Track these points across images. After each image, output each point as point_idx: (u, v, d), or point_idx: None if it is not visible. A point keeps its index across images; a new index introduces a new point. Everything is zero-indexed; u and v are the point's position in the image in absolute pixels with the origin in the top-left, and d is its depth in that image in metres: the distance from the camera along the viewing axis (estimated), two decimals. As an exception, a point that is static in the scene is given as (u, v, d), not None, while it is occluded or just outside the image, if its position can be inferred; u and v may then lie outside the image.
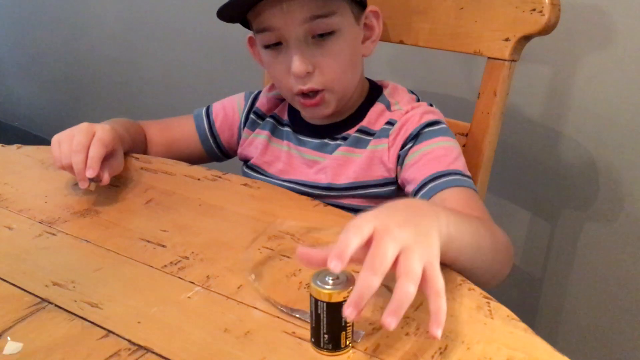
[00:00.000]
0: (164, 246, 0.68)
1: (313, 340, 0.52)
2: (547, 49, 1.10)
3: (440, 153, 0.79)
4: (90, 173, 0.75)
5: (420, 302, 0.57)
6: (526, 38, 0.86)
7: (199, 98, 1.71)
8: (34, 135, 2.44)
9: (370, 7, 0.86)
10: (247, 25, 0.86)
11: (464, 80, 1.23)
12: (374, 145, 0.84)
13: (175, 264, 0.64)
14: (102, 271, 0.63)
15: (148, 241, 0.69)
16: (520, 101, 1.16)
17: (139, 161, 0.90)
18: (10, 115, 2.56)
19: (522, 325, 0.54)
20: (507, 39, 0.86)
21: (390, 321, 0.46)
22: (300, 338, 0.53)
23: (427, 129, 0.82)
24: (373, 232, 0.49)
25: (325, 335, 0.51)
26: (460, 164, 0.79)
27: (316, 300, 0.50)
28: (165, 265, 0.64)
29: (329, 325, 0.50)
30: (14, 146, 0.96)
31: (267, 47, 0.82)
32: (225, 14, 0.81)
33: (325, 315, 0.50)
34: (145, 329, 0.54)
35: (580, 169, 1.14)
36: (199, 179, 0.85)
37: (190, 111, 1.01)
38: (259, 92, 0.97)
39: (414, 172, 0.79)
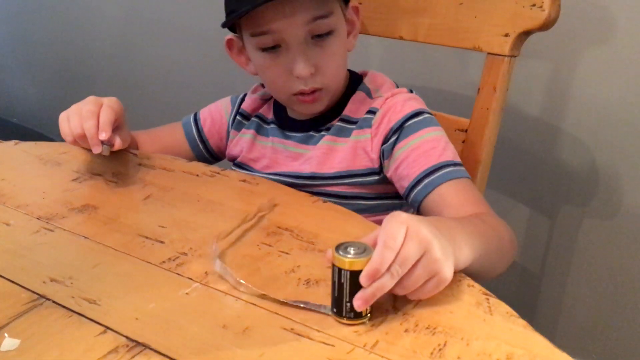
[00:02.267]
0: (162, 242, 0.68)
1: (335, 310, 0.54)
2: (547, 45, 1.09)
3: (429, 146, 0.79)
4: (103, 136, 0.78)
5: (419, 299, 0.57)
6: (526, 33, 0.86)
7: (196, 95, 1.71)
8: (32, 131, 2.43)
9: (351, 3, 0.87)
10: (231, 28, 0.86)
11: (464, 76, 1.23)
12: (357, 136, 0.84)
13: (174, 260, 0.64)
14: (100, 267, 0.63)
15: (146, 237, 0.68)
16: (520, 97, 1.16)
17: (138, 157, 0.89)
18: (8, 111, 2.55)
19: (522, 321, 0.54)
20: (506, 35, 0.86)
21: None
22: (299, 334, 0.53)
23: (411, 121, 0.81)
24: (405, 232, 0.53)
25: (348, 304, 0.53)
26: (450, 153, 0.79)
27: (340, 269, 0.53)
28: (164, 262, 0.64)
29: (352, 293, 0.53)
30: (12, 142, 0.96)
31: (263, 50, 0.81)
32: (228, 21, 0.81)
33: (349, 284, 0.52)
34: (143, 325, 0.54)
35: (580, 165, 1.14)
36: (197, 175, 0.85)
37: (187, 108, 1.01)
38: (245, 95, 0.98)
39: (405, 169, 0.79)
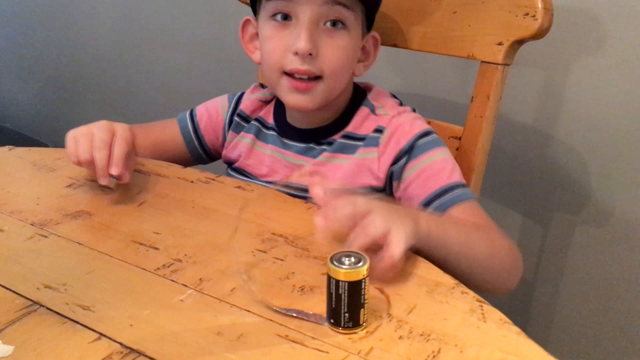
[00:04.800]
0: (156, 249, 0.68)
1: (332, 321, 0.54)
2: (539, 53, 1.10)
3: (438, 167, 0.80)
4: (114, 170, 0.76)
5: (414, 306, 0.57)
6: (519, 42, 0.86)
7: (191, 101, 1.70)
8: (26, 137, 2.42)
9: (372, 32, 0.87)
10: (253, 4, 0.86)
11: (457, 84, 1.23)
12: (362, 154, 0.84)
13: (168, 266, 0.64)
14: (94, 274, 0.63)
15: (141, 244, 0.68)
16: (513, 105, 1.16)
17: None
18: (2, 116, 2.54)
19: (515, 328, 0.54)
20: (500, 43, 0.87)
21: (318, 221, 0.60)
22: (293, 341, 0.53)
23: (420, 142, 0.82)
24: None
25: (346, 314, 0.53)
26: (457, 175, 0.80)
27: (337, 281, 0.52)
28: (158, 268, 0.64)
29: (350, 303, 0.53)
30: (6, 148, 0.96)
31: (273, 16, 0.80)
32: None
33: (346, 295, 0.52)
34: (137, 332, 0.54)
35: (572, 173, 1.15)
36: (192, 182, 0.85)
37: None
38: (242, 94, 0.97)
39: (415, 189, 0.80)
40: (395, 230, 0.60)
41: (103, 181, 0.76)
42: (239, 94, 0.98)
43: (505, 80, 0.89)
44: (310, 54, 0.78)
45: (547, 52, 1.10)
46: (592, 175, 1.13)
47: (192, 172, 0.87)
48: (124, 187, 0.82)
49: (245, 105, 0.95)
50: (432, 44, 0.94)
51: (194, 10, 1.70)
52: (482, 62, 0.89)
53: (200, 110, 0.99)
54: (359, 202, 0.61)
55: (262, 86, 0.98)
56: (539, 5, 0.82)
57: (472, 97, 0.90)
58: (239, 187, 0.83)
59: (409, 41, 0.96)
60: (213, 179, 0.85)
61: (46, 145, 2.26)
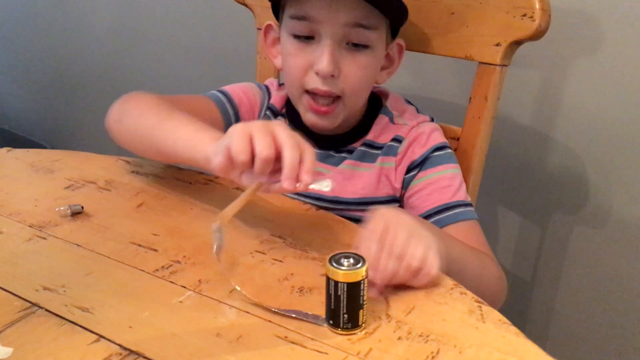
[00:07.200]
0: (155, 250, 0.68)
1: (331, 322, 0.54)
2: (537, 54, 1.10)
3: (445, 183, 0.81)
4: (309, 178, 0.61)
5: (413, 307, 0.58)
6: (517, 43, 0.87)
7: (190, 101, 1.70)
8: (24, 138, 2.42)
9: (398, 40, 0.86)
10: (275, 9, 0.85)
11: (455, 85, 1.23)
12: (382, 162, 0.84)
13: (167, 268, 0.64)
14: (92, 275, 0.63)
15: (139, 245, 0.68)
16: (511, 106, 1.17)
17: (130, 165, 0.89)
18: (0, 117, 2.54)
19: (514, 329, 0.54)
20: (497, 44, 0.87)
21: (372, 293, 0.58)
22: (292, 342, 0.53)
23: (433, 155, 0.83)
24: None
25: (345, 315, 0.53)
26: (463, 193, 0.81)
27: (336, 282, 0.53)
28: (157, 270, 0.64)
29: (349, 304, 0.53)
30: (4, 149, 0.95)
31: (296, 36, 0.79)
32: None
33: (345, 296, 0.53)
34: (136, 333, 0.54)
35: (570, 173, 1.15)
36: (190, 183, 0.85)
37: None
38: (267, 86, 0.93)
39: (418, 200, 0.81)
40: (432, 256, 0.59)
41: (290, 184, 0.59)
42: (264, 85, 0.94)
43: (503, 81, 0.89)
44: (332, 75, 0.77)
45: (545, 53, 1.10)
46: (590, 176, 1.13)
47: (191, 174, 0.87)
48: (123, 189, 0.83)
49: (275, 100, 0.92)
50: (430, 44, 0.94)
51: (191, 12, 1.70)
52: (480, 62, 0.89)
53: (237, 95, 0.91)
54: (397, 244, 0.57)
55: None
56: (537, 6, 0.83)
57: (470, 97, 0.90)
58: (237, 188, 0.83)
59: (407, 42, 0.96)
60: (212, 180, 0.85)
61: (44, 147, 2.26)
